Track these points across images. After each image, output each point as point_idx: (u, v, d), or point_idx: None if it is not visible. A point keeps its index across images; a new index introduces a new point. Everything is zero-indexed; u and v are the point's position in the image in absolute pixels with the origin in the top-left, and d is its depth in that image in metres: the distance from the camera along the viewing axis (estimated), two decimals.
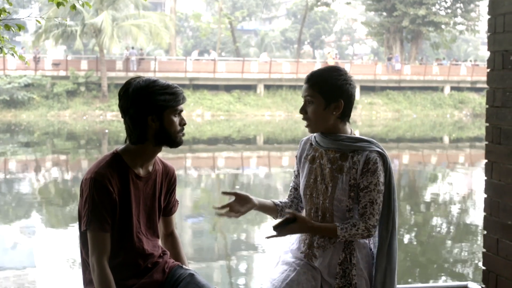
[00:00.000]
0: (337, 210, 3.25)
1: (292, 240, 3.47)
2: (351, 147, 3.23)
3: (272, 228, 3.24)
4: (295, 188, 3.52)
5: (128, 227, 3.13)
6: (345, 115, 3.28)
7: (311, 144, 3.41)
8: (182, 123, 3.17)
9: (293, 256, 3.38)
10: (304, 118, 3.29)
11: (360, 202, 3.22)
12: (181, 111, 3.17)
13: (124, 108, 3.12)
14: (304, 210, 3.43)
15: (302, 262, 3.30)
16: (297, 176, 3.50)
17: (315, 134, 3.37)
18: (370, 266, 3.32)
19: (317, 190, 3.31)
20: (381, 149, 3.27)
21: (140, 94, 3.07)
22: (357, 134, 3.31)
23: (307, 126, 3.30)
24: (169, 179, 3.36)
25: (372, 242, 3.37)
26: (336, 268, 3.25)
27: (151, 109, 3.07)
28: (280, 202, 3.52)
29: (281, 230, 3.20)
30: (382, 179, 3.22)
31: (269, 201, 3.49)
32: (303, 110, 3.28)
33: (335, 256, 3.26)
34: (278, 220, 3.26)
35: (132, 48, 45.61)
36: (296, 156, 3.50)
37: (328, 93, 3.21)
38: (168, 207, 3.42)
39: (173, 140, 3.15)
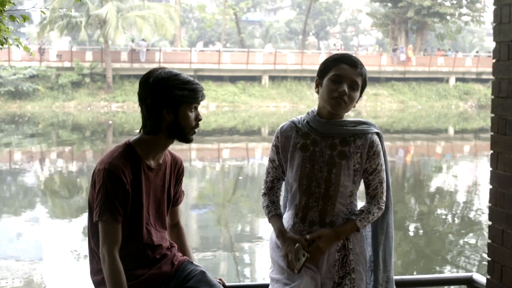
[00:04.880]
0: (341, 196, 3.21)
1: (275, 240, 3.36)
2: (353, 131, 3.20)
3: (296, 272, 3.14)
4: (278, 179, 3.40)
5: (138, 218, 3.14)
6: None
7: (296, 131, 3.30)
8: (198, 119, 3.17)
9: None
10: (340, 98, 3.14)
11: (370, 185, 3.25)
12: (197, 106, 3.16)
13: (142, 97, 3.11)
14: (294, 201, 3.30)
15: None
16: (278, 167, 3.37)
17: (306, 120, 3.27)
18: (364, 250, 3.32)
19: (317, 179, 3.22)
20: (378, 129, 3.28)
21: (159, 86, 3.06)
22: None
23: (338, 106, 3.15)
24: (177, 169, 3.36)
25: None
26: (335, 255, 3.23)
27: (167, 102, 3.06)
28: (277, 207, 3.40)
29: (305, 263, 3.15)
30: (383, 157, 3.26)
31: (281, 220, 3.36)
32: (346, 92, 3.14)
33: (334, 244, 3.23)
34: (300, 263, 3.15)
35: (143, 40, 45.61)
36: (275, 146, 3.37)
37: (364, 86, 3.24)
38: (175, 197, 3.41)
39: (185, 135, 3.14)
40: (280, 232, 3.27)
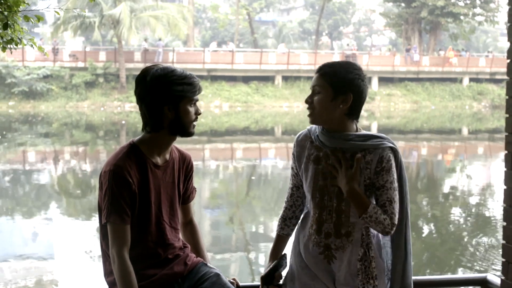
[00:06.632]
0: (354, 211, 3.10)
1: (296, 245, 3.31)
2: (362, 146, 3.07)
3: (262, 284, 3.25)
4: (297, 187, 3.32)
5: (147, 216, 3.13)
6: (353, 112, 3.09)
7: (311, 142, 3.20)
8: (197, 113, 3.16)
9: (305, 266, 3.25)
10: (308, 108, 3.11)
11: (378, 201, 3.08)
12: (197, 100, 3.16)
13: (141, 96, 3.11)
14: (309, 212, 3.25)
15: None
16: (296, 175, 3.30)
17: (317, 133, 3.17)
18: (384, 258, 3.23)
19: (329, 193, 3.13)
20: (392, 144, 3.11)
21: (158, 83, 3.05)
22: (374, 126, 3.24)
23: (309, 116, 3.11)
24: (186, 166, 3.35)
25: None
26: (357, 265, 3.15)
27: (168, 98, 3.06)
28: (286, 226, 3.39)
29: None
30: (395, 175, 3.08)
31: (282, 244, 3.41)
32: (309, 99, 3.11)
33: (355, 254, 3.15)
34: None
35: (159, 39, 45.72)
36: (293, 154, 3.28)
37: (337, 84, 3.05)
38: (186, 194, 3.40)
39: (186, 129, 3.13)
40: (272, 253, 3.37)
